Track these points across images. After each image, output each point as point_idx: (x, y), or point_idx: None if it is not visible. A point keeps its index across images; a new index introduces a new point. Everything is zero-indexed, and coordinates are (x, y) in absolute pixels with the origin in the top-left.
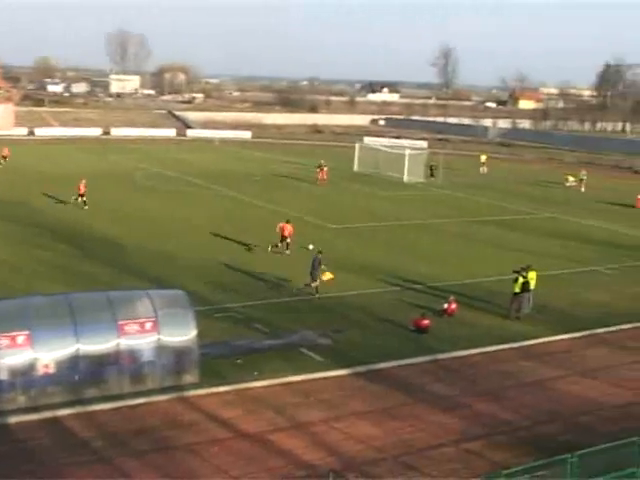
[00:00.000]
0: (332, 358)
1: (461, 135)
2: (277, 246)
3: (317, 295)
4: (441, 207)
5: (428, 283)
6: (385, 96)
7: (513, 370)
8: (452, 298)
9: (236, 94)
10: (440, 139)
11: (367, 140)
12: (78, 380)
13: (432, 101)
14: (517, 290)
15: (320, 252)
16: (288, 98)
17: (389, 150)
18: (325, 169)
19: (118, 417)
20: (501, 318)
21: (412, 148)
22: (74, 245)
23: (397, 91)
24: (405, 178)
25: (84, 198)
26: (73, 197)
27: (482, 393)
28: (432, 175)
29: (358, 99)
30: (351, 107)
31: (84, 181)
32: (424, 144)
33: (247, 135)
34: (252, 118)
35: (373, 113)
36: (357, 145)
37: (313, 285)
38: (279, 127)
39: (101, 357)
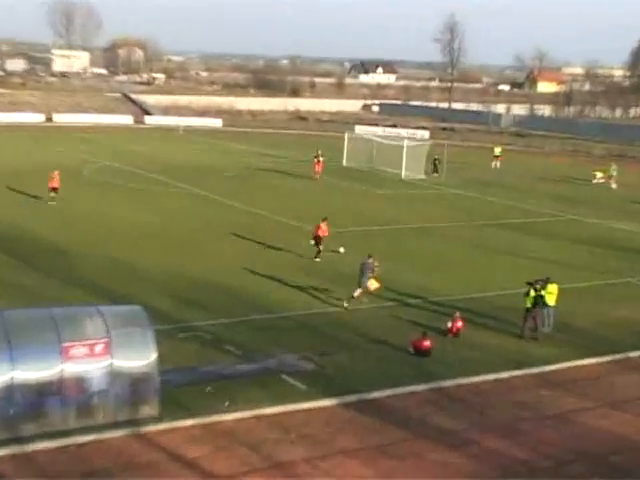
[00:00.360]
0: (317, 386)
1: (469, 123)
2: (319, 251)
3: (347, 305)
4: (446, 208)
5: (430, 297)
6: (380, 77)
7: (530, 400)
8: (458, 315)
9: (204, 74)
10: (444, 128)
11: (358, 129)
12: (13, 414)
13: (435, 84)
14: (528, 305)
15: (370, 256)
16: (265, 80)
17: (384, 141)
18: (321, 160)
19: (63, 458)
20: (516, 339)
21: (411, 139)
22: (12, 253)
23: (394, 72)
24: (403, 174)
25: (53, 193)
26: (51, 195)
27: (493, 427)
28: (435, 171)
29: (348, 81)
30: (339, 90)
31: (57, 173)
32: (425, 134)
33: (217, 123)
34: (223, 103)
35: (365, 97)
36: (347, 135)
37: (356, 295)
38: (255, 113)
39: (41, 386)
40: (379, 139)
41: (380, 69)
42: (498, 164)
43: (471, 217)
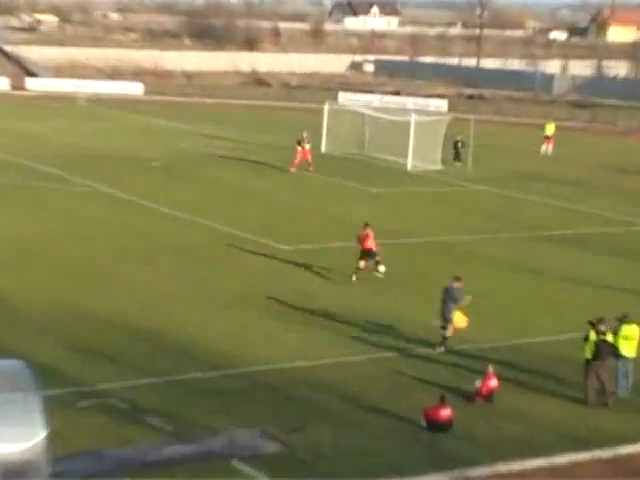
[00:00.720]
0: (284, 476)
1: (507, 89)
2: (361, 268)
3: (440, 349)
4: (471, 214)
5: (450, 344)
6: (375, 22)
7: None
8: (491, 370)
9: (115, 17)
10: (471, 96)
11: (344, 98)
12: None
13: (456, 31)
14: (589, 355)
15: (458, 279)
16: (206, 26)
17: (382, 116)
18: (307, 147)
19: None
20: (577, 405)
21: (422, 112)
22: None
23: (395, 13)
24: (410, 164)
25: None
26: None
27: None
28: (457, 158)
29: (328, 27)
30: (316, 42)
31: None
32: (443, 105)
33: (136, 89)
34: (144, 60)
35: (354, 52)
36: (326, 107)
37: (449, 333)
38: (192, 75)
39: None
40: (374, 113)
41: (375, 10)
42: (550, 148)
43: (508, 226)
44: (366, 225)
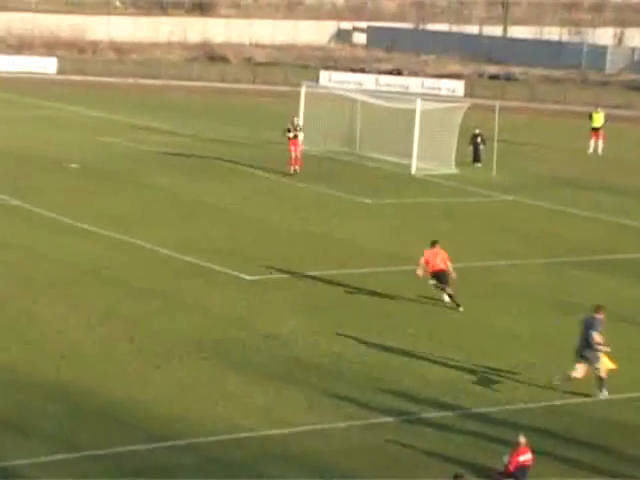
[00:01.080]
0: None
1: (543, 66)
2: (451, 297)
3: (604, 394)
4: (498, 232)
5: (466, 405)
6: None
7: None
8: (522, 441)
9: None
10: (495, 76)
11: (327, 79)
12: None
13: None
14: None
15: (599, 309)
16: None
17: (377, 102)
18: (300, 138)
19: None
20: None
21: (430, 97)
22: None
23: None
24: (414, 167)
25: None
26: None
27: None
28: (476, 159)
29: None
30: (289, 5)
31: None
32: (458, 87)
33: (49, 67)
34: (60, 27)
35: (340, 17)
36: (303, 90)
37: (574, 375)
38: (123, 48)
39: None
40: (368, 98)
41: None
42: (600, 145)
43: (544, 249)
44: (434, 243)
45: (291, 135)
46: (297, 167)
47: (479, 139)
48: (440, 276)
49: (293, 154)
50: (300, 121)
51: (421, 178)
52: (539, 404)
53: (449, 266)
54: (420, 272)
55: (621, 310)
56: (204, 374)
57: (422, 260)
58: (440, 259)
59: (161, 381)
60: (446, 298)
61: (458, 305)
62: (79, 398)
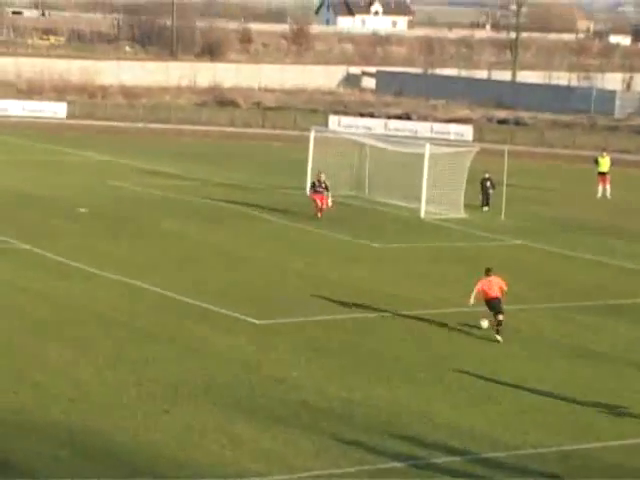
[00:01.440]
0: None
1: (552, 110)
2: (499, 323)
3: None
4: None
5: (474, 451)
6: (377, 22)
7: None
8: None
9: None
10: (503, 121)
11: (336, 123)
12: None
13: (485, 33)
14: None
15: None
16: (153, 27)
17: (386, 147)
18: (325, 185)
19: None
20: None
21: (439, 142)
22: None
23: (405, 11)
24: (423, 210)
25: None
26: None
27: None
28: (485, 202)
29: (315, 29)
30: (299, 48)
31: None
32: (467, 132)
33: (58, 111)
34: (70, 71)
35: (349, 62)
36: (312, 135)
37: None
38: (134, 93)
39: None
40: (376, 143)
41: (378, 6)
42: (608, 189)
43: (555, 293)
44: (489, 271)
45: (319, 184)
46: (320, 213)
47: (488, 183)
48: (494, 304)
49: (319, 204)
50: (324, 176)
51: (430, 222)
52: (549, 449)
53: (504, 292)
54: (472, 300)
55: (631, 355)
56: (212, 418)
57: (477, 288)
58: (496, 287)
59: (169, 425)
60: (485, 324)
61: (498, 332)
62: (87, 441)
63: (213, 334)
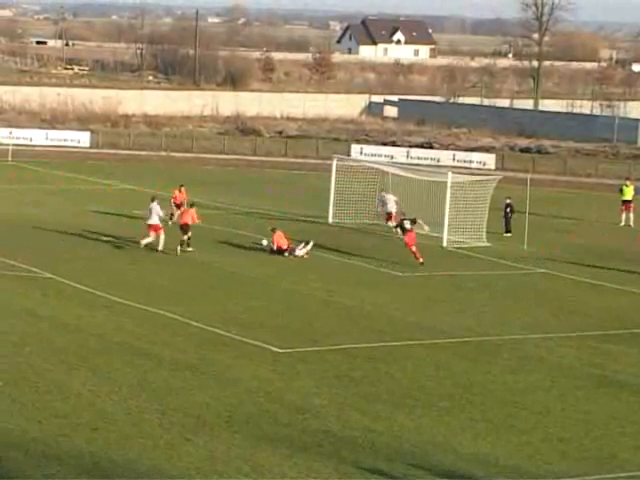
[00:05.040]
0: None
1: (575, 139)
2: None
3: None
4: (531, 305)
5: None
6: (399, 51)
7: None
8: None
9: (52, 44)
10: (526, 149)
11: (358, 152)
12: None
13: (507, 62)
14: None
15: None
16: (175, 57)
17: (408, 175)
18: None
19: None
20: None
21: (461, 170)
22: None
23: (427, 40)
24: (445, 239)
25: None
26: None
27: None
28: (508, 229)
29: (337, 58)
30: (321, 77)
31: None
32: (490, 161)
33: (82, 140)
34: (93, 101)
35: (371, 90)
36: (335, 164)
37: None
38: (157, 122)
39: None
40: (399, 171)
41: (400, 35)
42: (631, 218)
43: (579, 322)
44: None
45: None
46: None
47: (508, 209)
48: None
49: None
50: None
51: (453, 251)
52: (573, 479)
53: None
54: None
55: None
56: (235, 447)
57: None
58: None
59: (192, 454)
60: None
61: None
62: (110, 471)
63: (235, 363)
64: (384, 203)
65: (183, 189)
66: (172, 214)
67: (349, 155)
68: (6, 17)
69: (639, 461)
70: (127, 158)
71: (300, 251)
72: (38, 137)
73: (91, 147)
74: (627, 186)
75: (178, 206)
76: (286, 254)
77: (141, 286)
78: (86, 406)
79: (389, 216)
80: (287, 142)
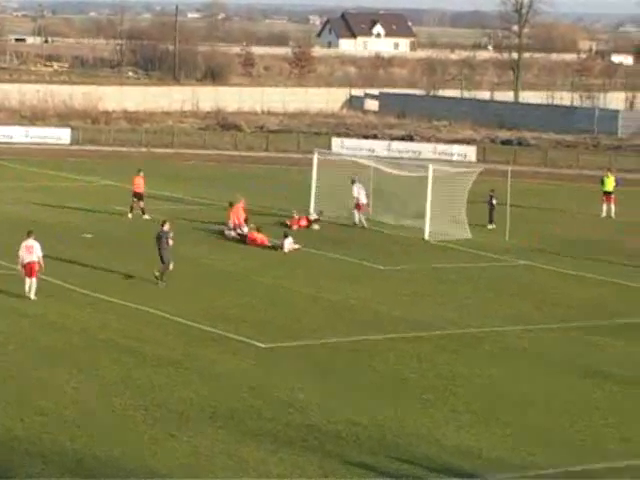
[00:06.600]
0: None
1: (555, 130)
2: None
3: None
4: (513, 297)
5: (481, 473)
6: (379, 44)
7: None
8: None
9: (31, 41)
10: (507, 141)
11: (338, 145)
12: None
13: (487, 54)
14: None
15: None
16: (156, 53)
17: (388, 168)
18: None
19: None
20: None
21: (442, 163)
22: None
23: (407, 33)
24: (427, 232)
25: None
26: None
27: None
28: (490, 219)
29: (317, 52)
30: (301, 71)
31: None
32: (470, 153)
33: (62, 137)
34: (73, 97)
35: (351, 84)
36: (316, 158)
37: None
38: (137, 117)
39: None
40: (380, 164)
41: (380, 28)
42: (613, 209)
43: (560, 313)
44: None
45: None
46: None
47: (492, 200)
48: None
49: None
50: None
51: (434, 243)
52: (557, 469)
53: None
54: None
55: (638, 374)
56: (219, 443)
57: None
58: None
59: (176, 450)
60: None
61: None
62: (94, 467)
63: (219, 358)
64: (356, 196)
65: (142, 173)
66: (132, 207)
67: (330, 149)
68: None
69: (623, 451)
70: (108, 154)
71: (288, 246)
72: (18, 134)
73: (71, 144)
74: (608, 177)
75: (139, 195)
76: (242, 228)
77: (124, 282)
78: (70, 403)
79: (358, 206)
80: (268, 137)
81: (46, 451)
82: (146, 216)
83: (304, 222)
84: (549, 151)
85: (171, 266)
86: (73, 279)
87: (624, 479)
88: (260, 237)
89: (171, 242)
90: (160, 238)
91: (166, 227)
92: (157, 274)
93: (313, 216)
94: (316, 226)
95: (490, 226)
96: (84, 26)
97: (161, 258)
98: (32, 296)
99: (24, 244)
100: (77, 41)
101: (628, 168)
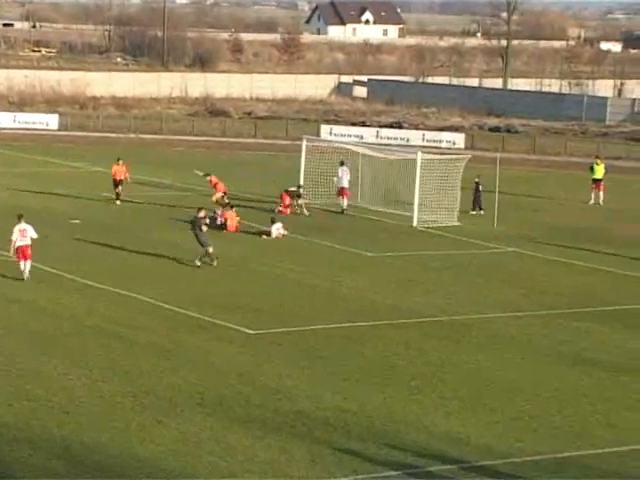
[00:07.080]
0: None
1: (544, 117)
2: None
3: None
4: (500, 284)
5: (469, 459)
6: (368, 31)
7: None
8: None
9: (20, 26)
10: (495, 128)
11: (327, 132)
12: None
13: (476, 41)
14: None
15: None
16: (143, 38)
17: (377, 155)
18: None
19: None
20: None
21: (431, 150)
22: None
23: (396, 20)
24: (415, 218)
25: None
26: None
27: None
28: (477, 205)
29: (306, 38)
30: (290, 58)
31: None
32: (459, 140)
33: (50, 122)
34: (61, 83)
35: (340, 71)
36: (304, 144)
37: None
38: (126, 104)
39: None
40: (368, 151)
41: (369, 15)
42: (601, 196)
43: (547, 300)
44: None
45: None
46: None
47: (479, 186)
48: None
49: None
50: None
51: (423, 230)
52: (544, 456)
53: None
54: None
55: (625, 361)
56: (207, 429)
57: None
58: None
59: (164, 436)
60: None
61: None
62: (81, 453)
63: (207, 345)
64: (339, 177)
65: (121, 162)
66: (118, 194)
67: (319, 136)
68: None
69: (610, 438)
70: (96, 140)
71: (275, 232)
72: (6, 120)
73: (60, 130)
74: (597, 164)
75: (119, 182)
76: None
77: (112, 269)
78: (58, 390)
79: (341, 191)
80: (256, 123)
81: (34, 437)
82: (118, 202)
83: (288, 200)
84: (537, 138)
85: (210, 249)
86: (61, 265)
87: (611, 465)
88: (231, 217)
89: (205, 228)
90: (194, 223)
91: (202, 214)
92: (203, 259)
93: (292, 188)
94: (301, 201)
95: (473, 212)
96: (72, 11)
97: (200, 243)
98: (27, 274)
99: (17, 228)
100: (65, 26)
101: (616, 155)
